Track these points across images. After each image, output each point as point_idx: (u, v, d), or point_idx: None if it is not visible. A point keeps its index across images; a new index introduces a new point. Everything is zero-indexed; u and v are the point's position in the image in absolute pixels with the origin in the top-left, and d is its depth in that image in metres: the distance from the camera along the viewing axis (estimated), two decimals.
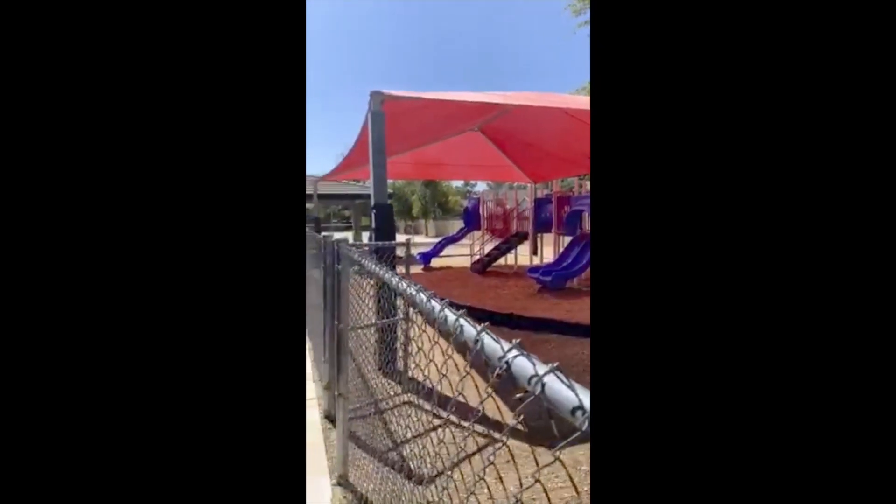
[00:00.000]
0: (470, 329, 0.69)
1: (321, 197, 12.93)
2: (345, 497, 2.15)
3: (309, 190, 12.64)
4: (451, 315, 0.77)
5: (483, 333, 0.65)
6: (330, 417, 2.90)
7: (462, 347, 0.73)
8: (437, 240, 14.42)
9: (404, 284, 1.03)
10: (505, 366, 0.57)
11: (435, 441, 1.18)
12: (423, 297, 0.89)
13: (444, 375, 0.92)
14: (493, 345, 0.61)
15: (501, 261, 10.76)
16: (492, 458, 0.75)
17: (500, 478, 0.87)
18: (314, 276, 4.07)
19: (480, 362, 0.71)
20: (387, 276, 1.23)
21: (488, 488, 0.83)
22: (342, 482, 2.23)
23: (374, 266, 1.44)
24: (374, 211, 3.70)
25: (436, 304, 0.82)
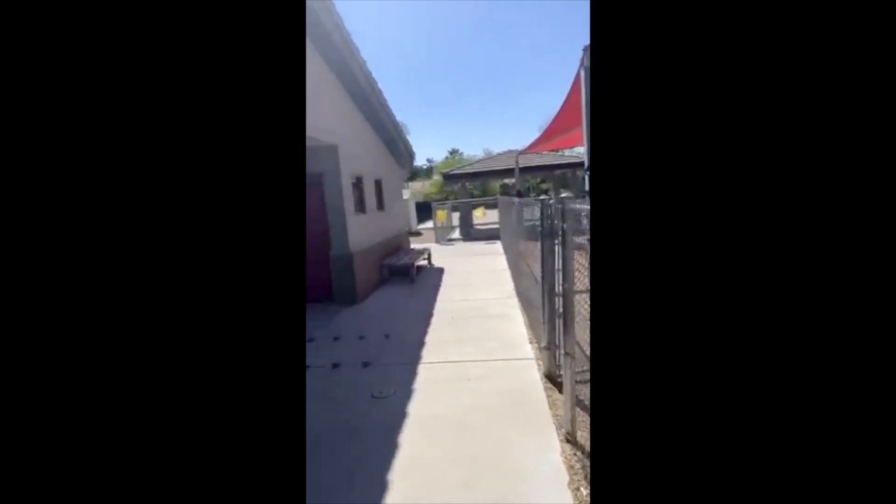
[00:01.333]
0: None
1: (521, 171, 13.09)
2: (574, 454, 2.17)
3: (511, 164, 12.99)
4: None
5: None
6: (550, 377, 2.96)
7: None
8: None
9: None
10: None
11: None
12: None
13: None
14: None
15: None
16: None
17: None
18: (520, 249, 4.17)
19: None
20: None
21: None
22: (570, 439, 2.26)
23: None
24: (588, 172, 3.52)
25: None
